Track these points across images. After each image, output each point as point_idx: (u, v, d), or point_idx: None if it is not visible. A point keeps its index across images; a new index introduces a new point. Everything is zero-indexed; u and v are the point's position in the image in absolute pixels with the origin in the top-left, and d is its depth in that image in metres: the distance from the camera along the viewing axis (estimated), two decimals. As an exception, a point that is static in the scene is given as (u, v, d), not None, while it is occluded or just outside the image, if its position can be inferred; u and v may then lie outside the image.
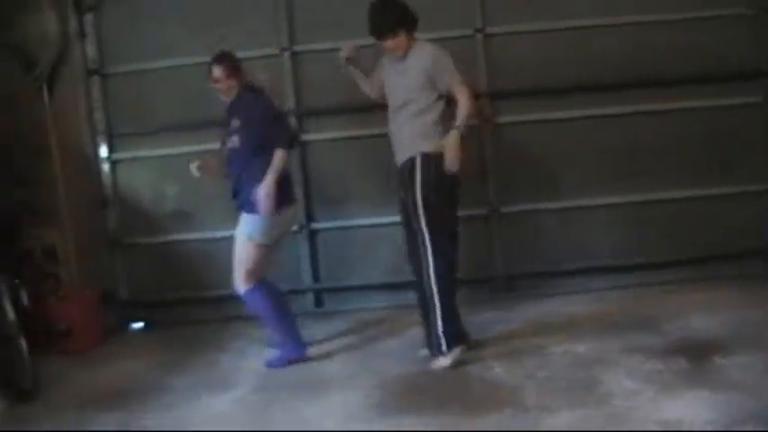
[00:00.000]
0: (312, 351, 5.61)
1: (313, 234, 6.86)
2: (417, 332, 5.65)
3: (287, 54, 6.69)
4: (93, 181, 6.87)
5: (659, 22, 6.69)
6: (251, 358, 5.67)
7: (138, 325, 6.82)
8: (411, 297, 6.20)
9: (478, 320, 5.88)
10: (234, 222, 5.86)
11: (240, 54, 6.61)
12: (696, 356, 4.81)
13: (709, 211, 6.80)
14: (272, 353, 5.54)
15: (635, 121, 6.73)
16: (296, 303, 6.78)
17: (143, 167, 6.91)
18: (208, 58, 6.58)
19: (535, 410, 4.22)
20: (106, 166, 6.89)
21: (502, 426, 4.07)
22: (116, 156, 6.88)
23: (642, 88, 6.70)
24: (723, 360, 4.73)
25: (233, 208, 6.15)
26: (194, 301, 6.87)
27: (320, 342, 5.90)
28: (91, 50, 6.79)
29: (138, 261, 6.96)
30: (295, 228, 6.64)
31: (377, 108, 6.32)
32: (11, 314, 5.25)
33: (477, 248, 6.73)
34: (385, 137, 6.25)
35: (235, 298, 6.45)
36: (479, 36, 6.68)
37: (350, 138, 6.74)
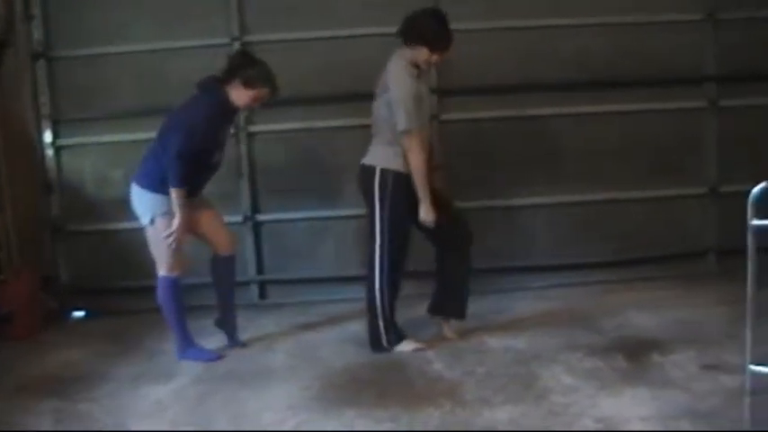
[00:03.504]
0: (255, 342, 5.67)
1: (257, 226, 6.83)
2: (360, 325, 5.67)
3: (237, 44, 6.63)
4: (36, 166, 6.76)
5: (610, 25, 6.76)
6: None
7: (80, 313, 6.74)
8: (354, 291, 6.25)
9: (420, 315, 5.89)
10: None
11: (191, 43, 6.61)
12: (634, 354, 4.89)
13: (652, 212, 6.92)
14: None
15: (583, 122, 6.81)
16: (240, 295, 6.74)
17: (88, 154, 6.82)
18: (159, 45, 6.60)
19: (474, 405, 4.24)
20: (50, 152, 6.78)
21: (441, 419, 4.09)
22: (61, 141, 6.78)
23: (590, 90, 6.77)
24: (661, 358, 4.80)
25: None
26: (137, 290, 6.73)
27: (263, 334, 5.90)
28: (37, 33, 6.66)
29: (81, 248, 6.88)
30: (239, 219, 6.63)
31: (323, 101, 6.34)
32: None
33: (422, 243, 6.76)
34: (331, 130, 6.30)
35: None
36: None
37: (296, 130, 6.70)
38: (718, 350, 4.82)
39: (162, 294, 5.34)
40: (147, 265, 6.68)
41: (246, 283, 6.83)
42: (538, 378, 4.61)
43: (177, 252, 5.26)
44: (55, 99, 6.75)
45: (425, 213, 5.13)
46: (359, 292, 6.50)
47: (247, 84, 5.12)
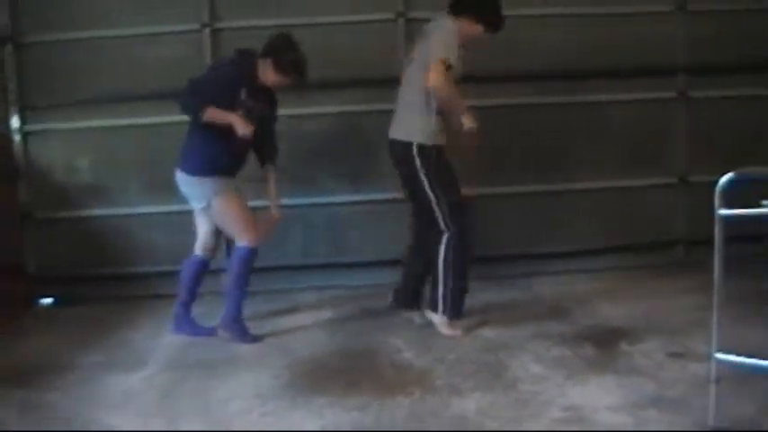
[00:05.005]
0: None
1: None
2: (328, 313, 5.73)
3: (207, 30, 6.60)
4: (3, 153, 6.67)
5: (581, 16, 6.80)
6: (163, 337, 5.59)
7: (47, 300, 6.69)
8: (323, 278, 6.27)
9: (390, 305, 5.93)
10: (147, 199, 5.88)
11: (160, 29, 6.55)
12: (602, 343, 4.94)
13: (623, 202, 6.96)
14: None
15: (553, 113, 6.85)
16: (210, 282, 6.73)
17: (57, 140, 6.74)
18: (128, 31, 6.54)
19: (443, 393, 4.26)
20: (17, 138, 6.69)
21: (410, 407, 4.09)
22: (28, 127, 6.69)
23: (561, 80, 6.81)
24: (628, 346, 4.86)
25: (149, 184, 6.17)
26: (107, 277, 6.75)
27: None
28: (3, 18, 6.57)
29: (50, 236, 6.79)
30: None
31: (293, 88, 6.29)
32: None
33: (394, 234, 6.78)
34: (299, 118, 6.27)
35: (149, 276, 6.43)
36: (401, 20, 6.70)
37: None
38: (686, 338, 4.88)
39: (237, 266, 5.38)
40: (117, 253, 6.68)
41: (215, 272, 6.78)
42: (507, 367, 4.63)
43: (251, 220, 5.36)
44: (22, 85, 6.65)
45: (469, 122, 5.17)
46: (327, 279, 6.54)
47: (277, 67, 5.23)
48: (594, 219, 6.94)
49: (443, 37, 5.15)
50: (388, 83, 6.53)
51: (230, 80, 5.22)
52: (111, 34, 6.56)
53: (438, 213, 5.25)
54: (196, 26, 6.62)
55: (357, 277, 6.75)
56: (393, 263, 6.66)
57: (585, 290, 6.26)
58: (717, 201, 3.47)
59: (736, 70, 6.92)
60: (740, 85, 6.92)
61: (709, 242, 3.61)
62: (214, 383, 4.60)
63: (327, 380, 4.57)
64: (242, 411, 4.18)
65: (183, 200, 6.37)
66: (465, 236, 5.30)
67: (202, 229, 5.57)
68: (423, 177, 5.23)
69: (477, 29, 5.32)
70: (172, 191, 6.47)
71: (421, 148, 5.21)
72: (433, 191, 5.23)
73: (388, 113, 6.53)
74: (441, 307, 5.31)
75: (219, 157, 5.23)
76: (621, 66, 6.84)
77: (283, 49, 5.23)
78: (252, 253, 5.36)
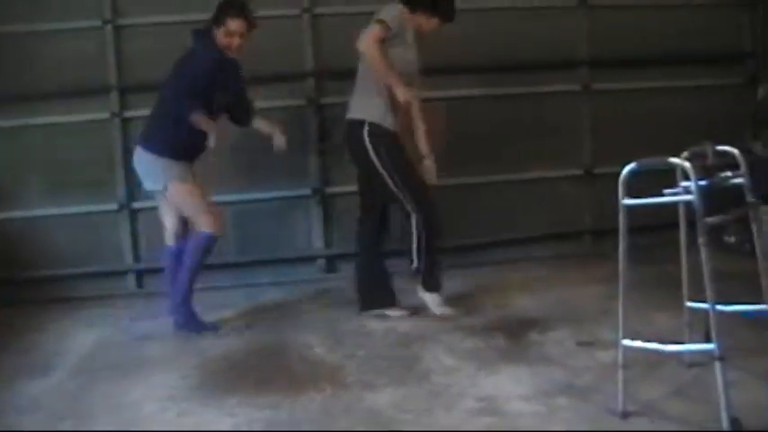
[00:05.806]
0: (134, 332, 5.56)
1: (134, 213, 6.66)
2: (237, 311, 5.81)
3: (109, 27, 6.48)
4: None
5: (487, 10, 6.92)
6: (71, 341, 5.45)
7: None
8: (230, 278, 6.27)
9: (299, 301, 5.90)
10: (52, 200, 5.74)
11: (62, 26, 6.41)
12: (514, 333, 4.99)
13: (531, 193, 7.06)
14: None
15: (460, 106, 6.88)
16: (117, 284, 6.64)
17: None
18: (27, 27, 6.36)
19: (355, 388, 4.25)
20: None
21: (322, 403, 4.07)
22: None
23: (467, 73, 6.88)
24: (539, 336, 4.92)
25: (54, 186, 6.03)
26: (13, 281, 6.53)
27: (141, 323, 5.79)
28: None
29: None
30: (114, 207, 6.48)
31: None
32: None
33: (299, 231, 6.78)
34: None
35: (55, 279, 6.28)
36: (307, 16, 6.71)
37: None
38: (594, 327, 4.96)
39: (195, 251, 5.32)
40: (23, 256, 6.48)
41: (123, 273, 6.68)
42: (419, 359, 4.64)
43: (211, 207, 5.32)
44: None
45: (403, 94, 5.11)
46: (234, 278, 6.48)
47: (218, 22, 5.17)
48: (504, 210, 7.01)
49: (388, 7, 5.19)
50: (294, 79, 6.55)
51: (215, 81, 5.16)
52: (10, 30, 6.37)
53: (401, 197, 5.28)
54: (98, 23, 6.48)
55: (263, 275, 6.71)
56: (296, 260, 6.67)
57: (496, 280, 6.34)
58: (620, 190, 3.54)
59: (635, 63, 7.10)
60: (644, 78, 7.11)
61: (614, 232, 3.67)
62: (125, 385, 4.50)
63: (238, 378, 4.52)
64: (154, 413, 4.10)
65: (88, 202, 6.27)
66: (433, 218, 5.35)
67: (170, 219, 5.48)
68: (374, 158, 5.23)
69: (433, 22, 5.37)
70: (77, 191, 6.39)
71: (372, 127, 5.22)
72: (386, 171, 5.23)
73: (294, 109, 6.55)
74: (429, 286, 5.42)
75: (187, 142, 5.17)
76: (525, 59, 6.96)
77: (221, 10, 5.20)
78: (213, 240, 5.32)
